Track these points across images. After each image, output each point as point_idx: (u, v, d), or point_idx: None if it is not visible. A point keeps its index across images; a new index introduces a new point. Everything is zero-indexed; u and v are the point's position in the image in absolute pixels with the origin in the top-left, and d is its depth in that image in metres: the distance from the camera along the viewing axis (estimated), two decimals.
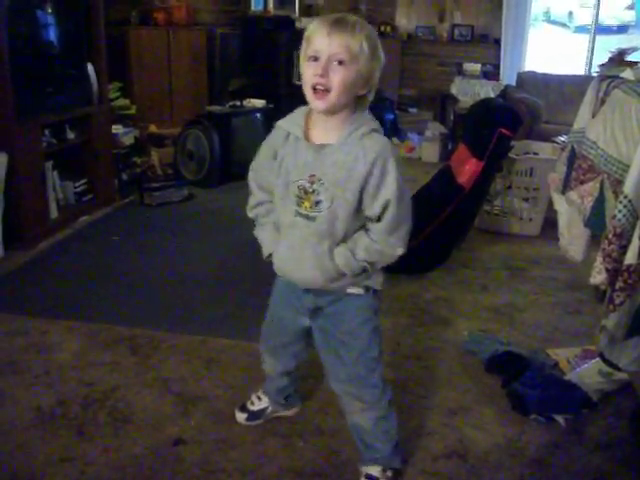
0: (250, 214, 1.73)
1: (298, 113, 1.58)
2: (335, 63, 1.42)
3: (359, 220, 1.55)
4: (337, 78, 1.43)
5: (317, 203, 1.51)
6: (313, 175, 1.50)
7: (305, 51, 1.46)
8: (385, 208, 1.50)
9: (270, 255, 1.67)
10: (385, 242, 1.54)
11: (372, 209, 1.51)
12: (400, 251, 1.56)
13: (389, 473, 1.79)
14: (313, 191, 1.51)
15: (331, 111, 1.48)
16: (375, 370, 1.70)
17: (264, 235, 1.68)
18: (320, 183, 1.50)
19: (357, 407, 1.73)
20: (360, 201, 1.51)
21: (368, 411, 1.72)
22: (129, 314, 2.76)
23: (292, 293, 1.71)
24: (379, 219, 1.52)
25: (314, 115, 1.53)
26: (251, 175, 1.70)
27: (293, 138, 1.55)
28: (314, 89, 1.44)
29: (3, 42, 3.17)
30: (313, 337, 1.76)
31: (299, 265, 1.59)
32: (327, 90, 1.43)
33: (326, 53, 1.42)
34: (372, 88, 1.53)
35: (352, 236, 1.56)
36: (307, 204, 1.52)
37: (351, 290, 1.64)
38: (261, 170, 1.65)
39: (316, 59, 1.43)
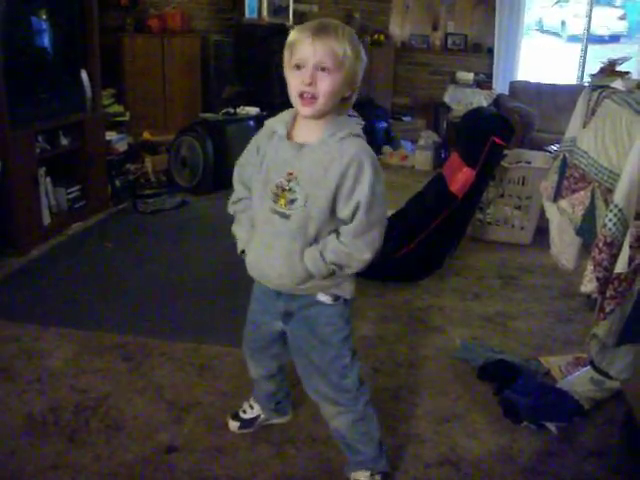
0: (230, 209, 1.75)
1: (287, 113, 1.60)
2: (321, 70, 1.43)
3: (332, 223, 1.55)
4: (324, 86, 1.44)
5: (292, 201, 1.52)
6: (291, 173, 1.52)
7: (289, 60, 1.47)
8: (356, 211, 1.50)
9: (244, 251, 1.70)
10: (353, 245, 1.53)
11: (344, 211, 1.52)
12: (367, 256, 1.55)
13: (377, 477, 1.79)
14: (289, 189, 1.52)
15: (317, 116, 1.50)
16: (347, 376, 1.70)
17: (240, 231, 1.71)
18: (296, 181, 1.51)
19: (333, 411, 1.74)
20: (334, 202, 1.51)
21: (344, 415, 1.73)
22: (121, 321, 2.76)
23: (265, 296, 1.73)
24: (350, 221, 1.53)
25: (300, 117, 1.56)
26: (236, 171, 1.72)
27: (277, 136, 1.57)
28: (301, 96, 1.46)
29: None
30: (288, 342, 1.77)
31: (269, 263, 1.60)
32: (314, 97, 1.45)
33: (311, 61, 1.43)
34: (356, 89, 1.54)
35: (323, 239, 1.57)
36: (283, 201, 1.53)
37: (321, 298, 1.64)
38: (246, 165, 1.68)
39: (301, 67, 1.44)
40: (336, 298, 1.65)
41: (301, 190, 1.51)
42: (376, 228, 1.54)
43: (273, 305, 1.71)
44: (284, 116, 1.60)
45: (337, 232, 1.56)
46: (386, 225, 1.59)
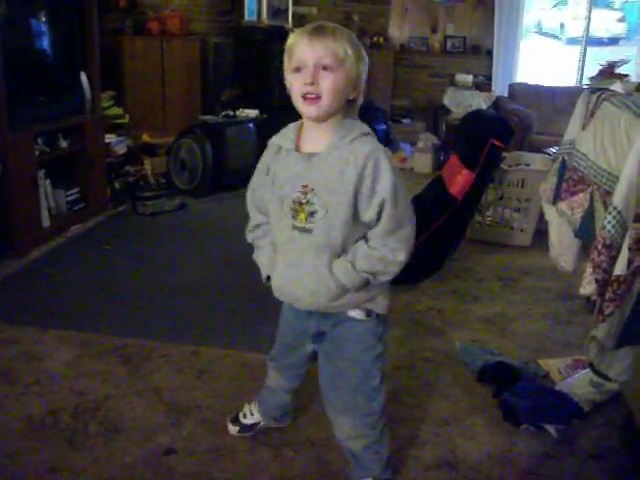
0: (248, 238, 1.70)
1: (290, 127, 1.57)
2: (322, 69, 1.41)
3: (357, 229, 1.49)
4: (326, 84, 1.41)
5: (312, 214, 1.47)
6: (305, 185, 1.47)
7: (289, 63, 1.45)
8: (381, 209, 1.45)
9: (269, 278, 1.63)
10: (384, 247, 1.47)
11: (368, 212, 1.46)
12: (402, 256, 1.49)
13: None
14: (307, 201, 1.47)
15: (323, 117, 1.46)
16: (375, 399, 1.66)
17: (262, 257, 1.65)
18: (313, 193, 1.46)
19: (351, 433, 1.69)
20: (355, 207, 1.46)
21: (361, 438, 1.69)
22: (120, 324, 2.75)
23: (296, 319, 1.69)
24: (376, 223, 1.47)
25: (305, 126, 1.52)
26: (248, 196, 1.68)
27: (284, 151, 1.54)
28: (304, 97, 1.43)
29: None
30: (318, 360, 1.74)
31: (298, 282, 1.55)
32: (318, 97, 1.42)
33: (311, 61, 1.41)
34: (361, 91, 1.51)
35: (351, 247, 1.51)
36: (302, 216, 1.48)
37: (352, 314, 1.59)
38: (258, 189, 1.63)
39: (302, 69, 1.42)
40: (368, 313, 1.60)
41: (319, 200, 1.46)
42: (406, 225, 1.49)
43: (304, 326, 1.67)
44: (288, 130, 1.56)
45: (365, 238, 1.51)
46: (415, 223, 1.52)
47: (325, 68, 1.41)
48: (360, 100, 1.53)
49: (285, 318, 1.78)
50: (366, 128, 1.52)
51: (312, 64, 1.41)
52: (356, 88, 1.49)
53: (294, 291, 1.58)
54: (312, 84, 1.41)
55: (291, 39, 1.46)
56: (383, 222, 1.46)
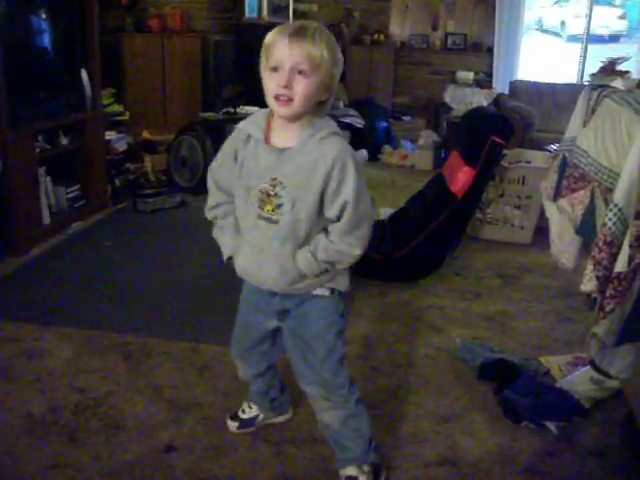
0: (208, 215, 1.75)
1: (259, 115, 1.59)
2: (297, 73, 1.43)
3: (320, 222, 1.56)
4: (300, 89, 1.43)
5: (279, 206, 1.53)
6: (275, 178, 1.52)
7: (266, 62, 1.46)
8: (343, 209, 1.52)
9: (230, 258, 1.70)
10: (343, 242, 1.55)
11: (331, 210, 1.53)
12: (358, 251, 1.57)
13: (365, 467, 1.79)
14: (275, 194, 1.52)
15: (294, 118, 1.50)
16: (340, 372, 1.71)
17: (224, 238, 1.69)
18: (282, 186, 1.51)
19: (325, 406, 1.74)
20: (321, 203, 1.52)
21: (336, 410, 1.74)
22: (121, 321, 2.75)
23: (259, 295, 1.72)
24: (338, 220, 1.54)
25: (275, 118, 1.55)
26: (210, 176, 1.71)
27: (254, 141, 1.57)
28: (277, 98, 1.45)
29: None
30: (283, 338, 1.78)
31: (262, 268, 1.61)
32: (290, 99, 1.44)
33: (288, 64, 1.42)
34: (332, 93, 1.54)
35: (313, 238, 1.57)
36: (269, 207, 1.54)
37: (316, 292, 1.65)
38: (221, 170, 1.67)
39: (278, 70, 1.44)
40: (332, 291, 1.67)
41: (287, 195, 1.51)
42: (364, 224, 1.56)
43: (267, 304, 1.71)
44: (257, 118, 1.58)
45: (326, 231, 1.57)
46: (373, 221, 1.61)
47: (300, 72, 1.43)
48: (331, 101, 1.56)
49: (245, 297, 1.83)
50: (335, 127, 1.56)
51: (288, 67, 1.43)
52: (328, 90, 1.51)
53: (257, 275, 1.65)
54: (286, 87, 1.43)
55: (270, 37, 1.47)
56: (343, 221, 1.53)
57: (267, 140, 1.55)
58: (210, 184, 1.72)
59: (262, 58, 1.48)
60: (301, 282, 1.61)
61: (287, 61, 1.42)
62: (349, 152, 1.52)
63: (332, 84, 1.51)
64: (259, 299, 1.74)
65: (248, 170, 1.57)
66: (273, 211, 1.53)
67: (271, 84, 1.45)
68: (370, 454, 1.81)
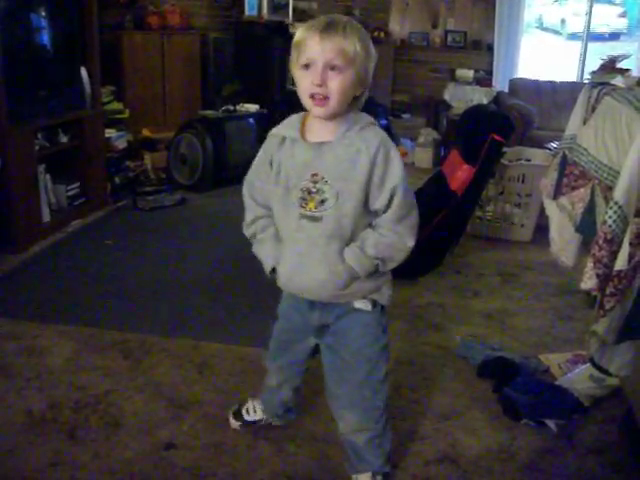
0: (247, 232, 1.66)
1: (293, 118, 1.56)
2: (330, 70, 1.39)
3: (366, 217, 1.52)
4: (335, 85, 1.40)
5: (322, 202, 1.48)
6: (315, 174, 1.48)
7: (297, 59, 1.43)
8: (392, 196, 1.48)
9: (273, 270, 1.60)
10: (394, 233, 1.50)
11: (379, 199, 1.49)
12: (410, 242, 1.52)
13: (379, 477, 1.77)
14: (317, 190, 1.48)
15: (331, 117, 1.47)
16: (380, 392, 1.66)
17: (264, 249, 1.61)
18: (324, 181, 1.47)
19: (355, 427, 1.69)
20: (366, 194, 1.48)
21: (365, 432, 1.69)
22: (121, 318, 2.75)
23: (297, 313, 1.67)
24: (386, 210, 1.50)
25: (310, 118, 1.52)
26: (246, 189, 1.65)
27: (289, 141, 1.52)
28: (312, 97, 1.42)
29: None
30: (321, 354, 1.72)
31: (308, 271, 1.54)
32: (326, 97, 1.41)
33: (321, 60, 1.39)
34: (367, 87, 1.51)
35: (359, 235, 1.52)
36: (312, 204, 1.49)
37: (358, 305, 1.59)
38: (256, 182, 1.61)
39: (310, 67, 1.40)
40: (374, 304, 1.61)
41: (330, 189, 1.47)
42: (413, 211, 1.53)
43: (306, 320, 1.66)
44: (291, 121, 1.55)
45: (372, 226, 1.53)
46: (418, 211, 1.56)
47: (334, 68, 1.40)
48: (365, 96, 1.54)
49: (284, 314, 1.76)
50: (371, 118, 1.53)
51: (322, 64, 1.39)
52: (363, 84, 1.49)
53: (304, 281, 1.57)
54: (320, 85, 1.40)
55: (301, 34, 1.43)
56: (394, 209, 1.49)
57: (303, 138, 1.51)
58: (246, 197, 1.65)
59: (293, 55, 1.44)
60: (349, 287, 1.54)
61: (320, 58, 1.38)
62: (389, 140, 1.50)
63: (367, 78, 1.48)
64: (297, 315, 1.68)
65: (286, 171, 1.51)
66: (316, 208, 1.48)
67: (304, 82, 1.42)
68: (386, 466, 1.78)
